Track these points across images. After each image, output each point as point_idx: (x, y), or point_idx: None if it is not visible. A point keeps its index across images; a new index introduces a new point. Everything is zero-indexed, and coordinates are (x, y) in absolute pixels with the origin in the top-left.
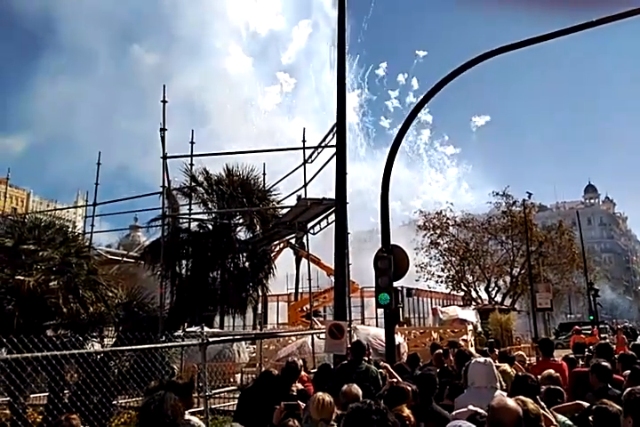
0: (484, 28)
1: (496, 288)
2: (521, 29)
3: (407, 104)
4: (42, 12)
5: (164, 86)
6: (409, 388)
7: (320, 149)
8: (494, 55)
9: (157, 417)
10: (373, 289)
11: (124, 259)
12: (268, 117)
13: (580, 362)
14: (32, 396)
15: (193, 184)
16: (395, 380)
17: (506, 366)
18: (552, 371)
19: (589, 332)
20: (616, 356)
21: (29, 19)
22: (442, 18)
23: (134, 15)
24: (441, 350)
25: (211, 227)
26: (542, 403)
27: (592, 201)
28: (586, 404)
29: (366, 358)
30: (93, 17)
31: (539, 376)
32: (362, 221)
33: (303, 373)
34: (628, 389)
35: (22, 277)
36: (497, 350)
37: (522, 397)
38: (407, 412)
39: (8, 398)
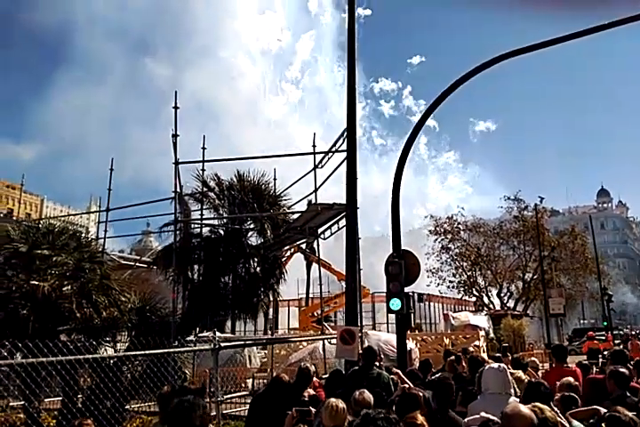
0: (484, 29)
1: (508, 294)
2: (519, 30)
3: (403, 111)
4: (61, 26)
5: (176, 92)
6: (421, 394)
7: (330, 155)
8: (507, 58)
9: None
10: (384, 294)
11: (137, 264)
12: (277, 125)
13: (594, 369)
14: (46, 400)
15: (204, 190)
16: (406, 386)
17: (520, 374)
18: (571, 379)
19: (603, 338)
20: (631, 363)
21: (50, 32)
22: (440, 19)
23: (147, 28)
24: (454, 357)
25: (222, 232)
26: (557, 409)
27: (605, 205)
28: (603, 409)
29: (378, 364)
30: (108, 29)
31: (557, 382)
32: (369, 225)
33: (315, 378)
34: None
35: (37, 282)
36: (510, 355)
37: (539, 404)
38: (421, 419)
39: (23, 402)
